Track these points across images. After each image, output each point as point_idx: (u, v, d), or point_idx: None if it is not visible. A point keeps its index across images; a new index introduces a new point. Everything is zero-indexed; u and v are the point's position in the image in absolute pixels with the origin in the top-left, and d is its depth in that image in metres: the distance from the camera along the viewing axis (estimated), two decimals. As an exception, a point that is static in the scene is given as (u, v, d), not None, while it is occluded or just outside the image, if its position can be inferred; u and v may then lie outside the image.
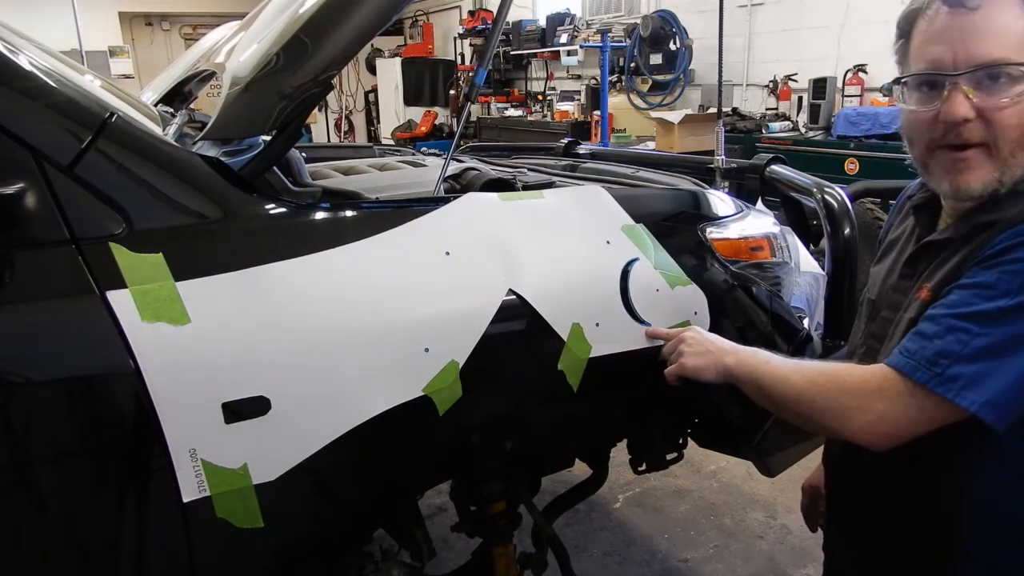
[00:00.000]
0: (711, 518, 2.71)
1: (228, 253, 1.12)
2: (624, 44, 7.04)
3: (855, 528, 1.21)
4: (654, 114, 6.37)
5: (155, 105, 1.97)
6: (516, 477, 1.57)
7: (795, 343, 1.59)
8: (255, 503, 1.08)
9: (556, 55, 7.91)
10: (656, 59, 6.77)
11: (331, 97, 10.56)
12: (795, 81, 5.73)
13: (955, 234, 1.02)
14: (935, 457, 1.01)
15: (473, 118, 8.65)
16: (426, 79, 9.83)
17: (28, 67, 1.11)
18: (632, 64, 7.02)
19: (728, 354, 1.19)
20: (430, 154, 2.62)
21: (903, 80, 1.02)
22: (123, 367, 0.99)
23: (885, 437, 0.98)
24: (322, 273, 1.15)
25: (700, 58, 6.65)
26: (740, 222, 1.64)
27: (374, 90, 11.10)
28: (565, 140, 2.75)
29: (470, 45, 9.34)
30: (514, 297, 1.26)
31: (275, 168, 1.39)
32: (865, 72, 5.22)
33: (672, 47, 6.72)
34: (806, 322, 1.69)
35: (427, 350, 1.18)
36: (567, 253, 1.36)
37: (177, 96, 2.09)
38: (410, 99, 9.86)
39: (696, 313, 1.43)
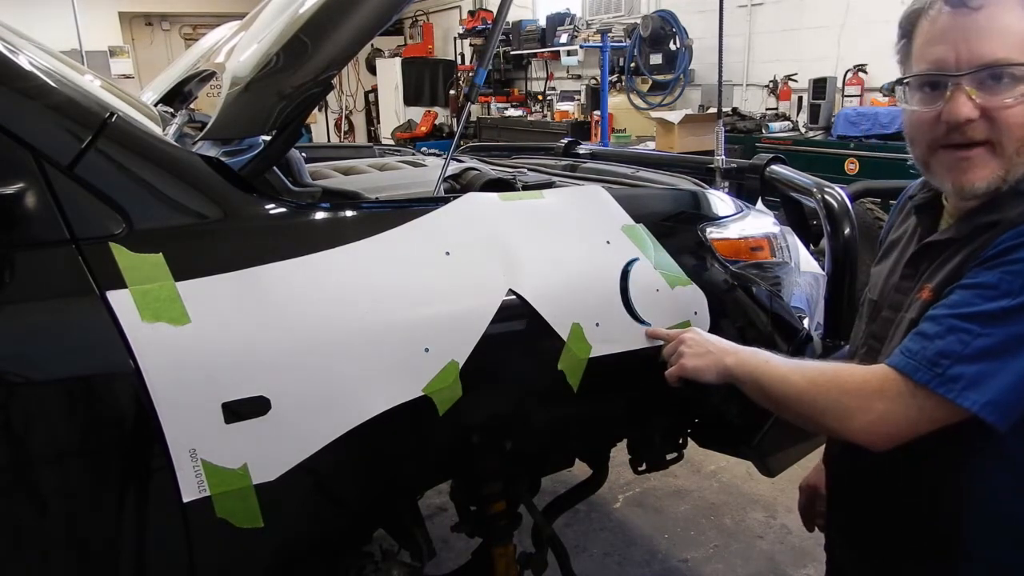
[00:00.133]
0: (711, 518, 2.71)
1: (228, 253, 1.12)
2: (624, 44, 7.04)
3: (855, 528, 1.21)
4: (654, 114, 6.36)
5: (155, 105, 1.97)
6: (516, 477, 1.57)
7: (795, 343, 1.59)
8: (255, 503, 1.08)
9: (556, 55, 7.91)
10: (656, 59, 6.76)
11: (331, 97, 10.55)
12: (795, 81, 5.73)
13: (957, 234, 1.02)
14: (936, 457, 1.01)
15: (473, 118, 8.64)
16: (426, 79, 9.83)
17: (28, 67, 1.11)
18: (632, 64, 7.02)
19: (728, 354, 1.19)
20: (430, 154, 2.62)
21: (905, 80, 1.02)
22: (123, 367, 0.99)
23: (886, 437, 0.98)
24: (322, 273, 1.15)
25: (700, 58, 6.65)
26: (740, 222, 1.64)
27: (374, 90, 11.11)
28: (565, 140, 2.75)
29: (470, 45, 9.34)
30: (514, 297, 1.26)
31: (275, 168, 1.39)
32: (865, 72, 5.22)
33: (672, 47, 6.72)
34: (806, 322, 1.69)
35: (427, 350, 1.18)
36: (567, 253, 1.36)
37: (177, 96, 2.09)
38: (410, 99, 9.86)
39: (696, 313, 1.43)
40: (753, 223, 1.67)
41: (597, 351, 1.32)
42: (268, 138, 1.34)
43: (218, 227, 1.15)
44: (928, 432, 0.96)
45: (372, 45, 9.75)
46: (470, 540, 1.73)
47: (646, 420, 1.65)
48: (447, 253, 1.25)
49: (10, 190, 1.03)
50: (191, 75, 2.06)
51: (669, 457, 1.77)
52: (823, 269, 1.75)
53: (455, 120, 9.31)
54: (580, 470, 1.85)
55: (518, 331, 1.28)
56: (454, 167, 1.86)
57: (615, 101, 6.92)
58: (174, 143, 1.28)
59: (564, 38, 7.60)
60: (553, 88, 8.64)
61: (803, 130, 5.37)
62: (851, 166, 4.61)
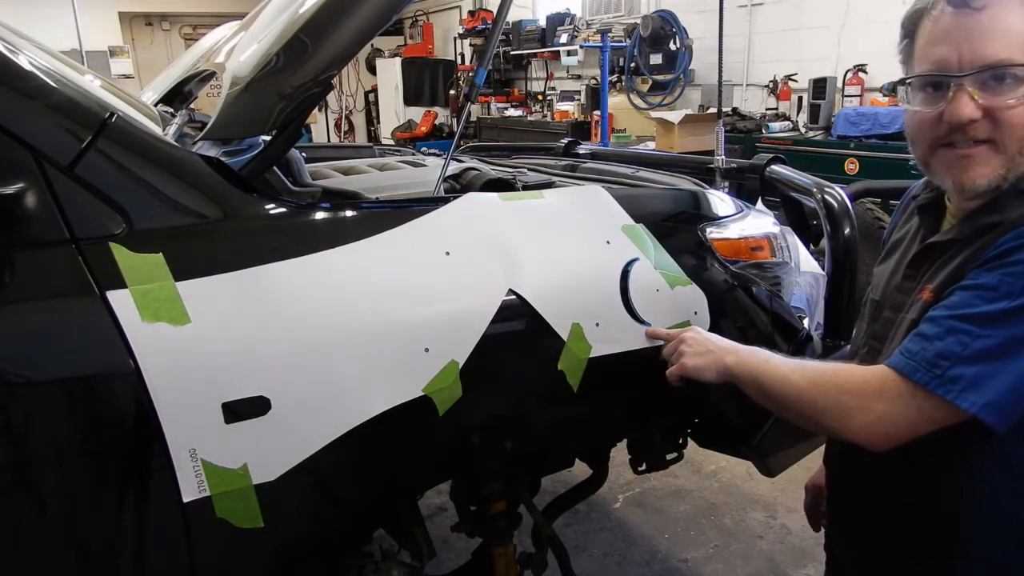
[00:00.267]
0: (711, 518, 2.71)
1: (228, 253, 1.12)
2: (624, 44, 7.04)
3: (855, 528, 1.21)
4: (654, 114, 6.36)
5: (155, 105, 1.97)
6: (516, 477, 1.57)
7: (795, 343, 1.59)
8: (255, 503, 1.08)
9: (556, 55, 7.91)
10: (656, 59, 6.76)
11: (331, 97, 10.56)
12: (795, 81, 5.73)
13: (958, 235, 1.02)
14: (936, 457, 1.01)
15: (473, 118, 8.64)
16: (426, 79, 9.83)
17: (28, 67, 1.11)
18: (632, 64, 7.02)
19: (728, 353, 1.19)
20: (430, 154, 2.62)
21: (908, 81, 1.02)
22: (123, 367, 0.99)
23: (885, 438, 0.98)
24: (322, 273, 1.15)
25: (700, 58, 6.64)
26: (740, 222, 1.64)
27: (374, 90, 11.10)
28: (565, 140, 2.75)
29: (470, 45, 9.34)
30: (514, 297, 1.26)
31: (275, 168, 1.39)
32: (865, 72, 5.22)
33: (672, 47, 6.71)
34: (806, 322, 1.69)
35: (427, 350, 1.18)
36: (567, 253, 1.36)
37: (177, 96, 2.09)
38: (410, 99, 9.86)
39: (696, 313, 1.43)
40: (753, 223, 1.67)
41: (597, 351, 1.32)
42: (268, 138, 1.34)
43: (218, 227, 1.15)
44: (928, 433, 0.96)
45: (372, 45, 9.75)
46: (470, 540, 1.73)
47: (646, 420, 1.65)
48: (447, 253, 1.25)
49: (10, 190, 1.03)
50: (191, 75, 2.06)
51: (669, 457, 1.77)
52: (823, 269, 1.75)
53: (455, 120, 9.31)
54: (580, 470, 1.85)
55: (518, 331, 1.28)
56: (454, 167, 1.86)
57: (615, 101, 6.92)
58: (174, 143, 1.28)
59: (564, 38, 7.59)
60: (553, 88, 8.64)
61: (803, 130, 5.37)
62: (851, 166, 4.61)
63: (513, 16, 8.22)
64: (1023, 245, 0.91)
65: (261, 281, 1.10)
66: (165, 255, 1.06)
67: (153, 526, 1.06)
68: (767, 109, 5.98)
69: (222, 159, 1.27)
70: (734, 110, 6.01)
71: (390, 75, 10.11)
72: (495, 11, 3.81)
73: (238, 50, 1.58)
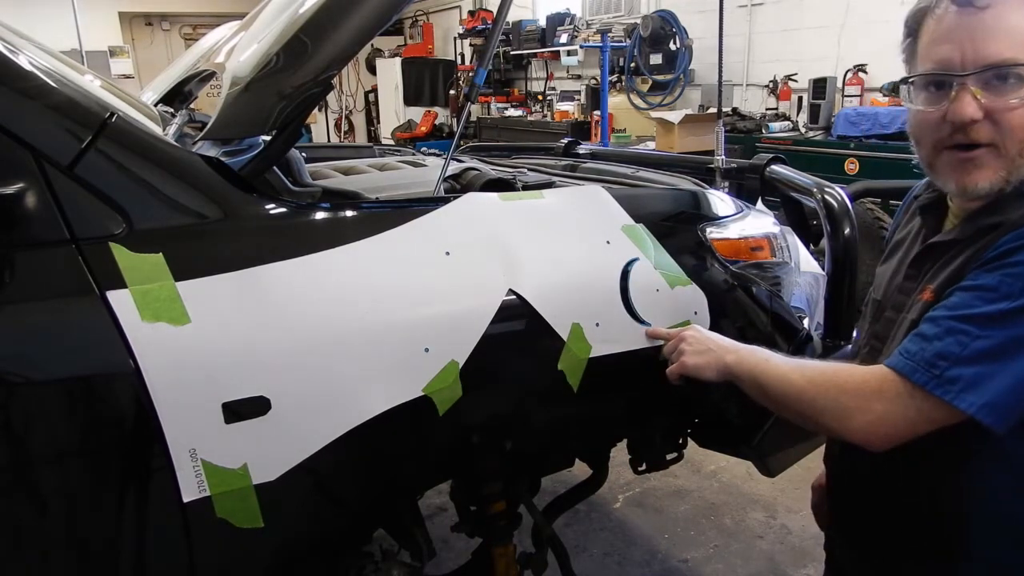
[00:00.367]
0: (711, 518, 2.71)
1: (228, 253, 1.12)
2: (624, 44, 7.04)
3: (855, 528, 1.21)
4: (654, 114, 6.36)
5: (155, 105, 1.97)
6: (516, 477, 1.57)
7: (795, 343, 1.59)
8: (255, 503, 1.08)
9: (556, 55, 7.91)
10: (656, 59, 6.76)
11: (331, 97, 10.55)
12: (795, 81, 5.73)
13: (960, 235, 1.02)
14: (935, 457, 1.01)
15: (473, 118, 8.64)
16: (426, 79, 9.83)
17: (28, 67, 1.11)
18: (632, 64, 7.02)
19: (729, 352, 1.19)
20: (430, 154, 2.62)
21: (910, 80, 1.02)
22: (123, 367, 0.99)
23: (884, 438, 0.98)
24: (322, 273, 1.15)
25: (700, 58, 6.65)
26: (740, 222, 1.64)
27: (374, 90, 11.11)
28: (565, 140, 2.75)
29: (470, 45, 9.34)
30: (514, 297, 1.26)
31: (275, 168, 1.39)
32: (865, 72, 5.22)
33: (672, 47, 6.72)
34: (806, 322, 1.69)
35: (427, 350, 1.18)
36: (567, 253, 1.36)
37: (177, 96, 2.09)
38: (410, 99, 9.86)
39: (696, 313, 1.43)
40: (753, 223, 1.67)
41: (597, 351, 1.32)
42: (268, 138, 1.34)
43: (218, 227, 1.15)
44: (927, 433, 0.96)
45: (372, 45, 9.75)
46: (470, 540, 1.73)
47: (646, 420, 1.65)
48: (447, 253, 1.25)
49: (10, 190, 1.03)
50: (191, 75, 2.06)
51: (669, 457, 1.77)
52: (823, 269, 1.75)
53: (455, 120, 9.31)
54: (580, 470, 1.85)
55: (518, 331, 1.28)
56: (454, 167, 1.86)
57: (615, 101, 6.92)
58: (174, 143, 1.28)
59: (564, 38, 7.60)
60: (553, 88, 8.64)
61: (803, 130, 5.37)
62: (851, 166, 4.61)
63: (513, 16, 8.22)
64: (1023, 246, 0.91)
65: (261, 281, 1.10)
66: (165, 255, 1.06)
67: (153, 526, 1.06)
68: (767, 109, 5.99)
69: (222, 159, 1.27)
70: (734, 110, 6.01)
71: (390, 75, 10.12)
72: (495, 11, 3.81)
73: (238, 50, 1.58)
